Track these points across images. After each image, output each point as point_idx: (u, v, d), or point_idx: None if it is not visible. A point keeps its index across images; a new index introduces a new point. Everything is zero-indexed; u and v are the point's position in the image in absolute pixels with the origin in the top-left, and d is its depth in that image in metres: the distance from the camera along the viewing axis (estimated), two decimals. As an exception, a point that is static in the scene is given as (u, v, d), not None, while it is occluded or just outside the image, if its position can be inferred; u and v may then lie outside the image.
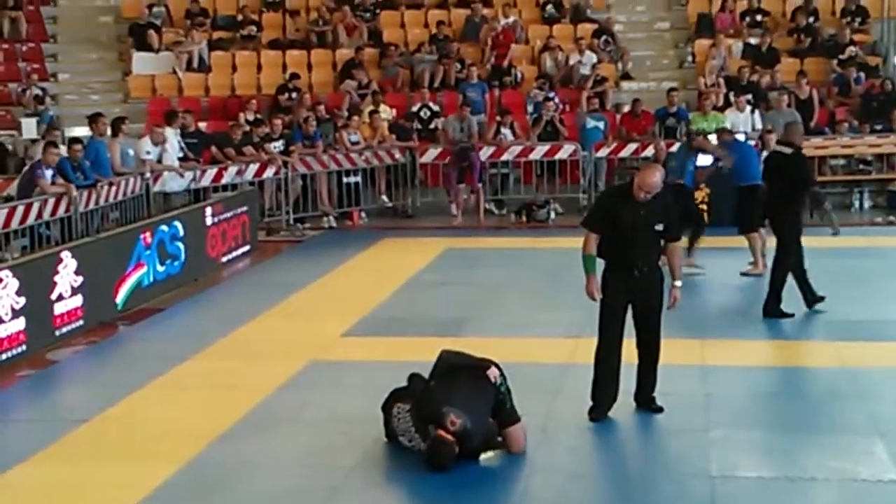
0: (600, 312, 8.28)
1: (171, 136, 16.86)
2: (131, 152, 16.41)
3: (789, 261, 11.15)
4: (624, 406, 8.38)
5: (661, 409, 8.38)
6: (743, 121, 18.53)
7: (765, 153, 16.56)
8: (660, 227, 8.14)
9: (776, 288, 11.19)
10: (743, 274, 13.37)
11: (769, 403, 8.67)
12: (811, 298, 11.37)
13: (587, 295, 8.33)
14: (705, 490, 6.96)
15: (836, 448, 7.66)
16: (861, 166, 18.30)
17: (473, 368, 7.61)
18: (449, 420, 7.24)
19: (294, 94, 20.04)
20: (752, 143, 17.17)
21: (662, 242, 8.32)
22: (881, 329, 10.77)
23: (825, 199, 15.88)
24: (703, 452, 7.60)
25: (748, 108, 18.79)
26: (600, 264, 8.29)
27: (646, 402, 8.44)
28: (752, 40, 21.55)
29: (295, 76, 20.53)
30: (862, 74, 20.35)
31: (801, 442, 7.79)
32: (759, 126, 18.35)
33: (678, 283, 8.37)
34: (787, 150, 11.43)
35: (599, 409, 8.29)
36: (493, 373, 7.56)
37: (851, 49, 20.87)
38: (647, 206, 8.09)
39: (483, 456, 7.49)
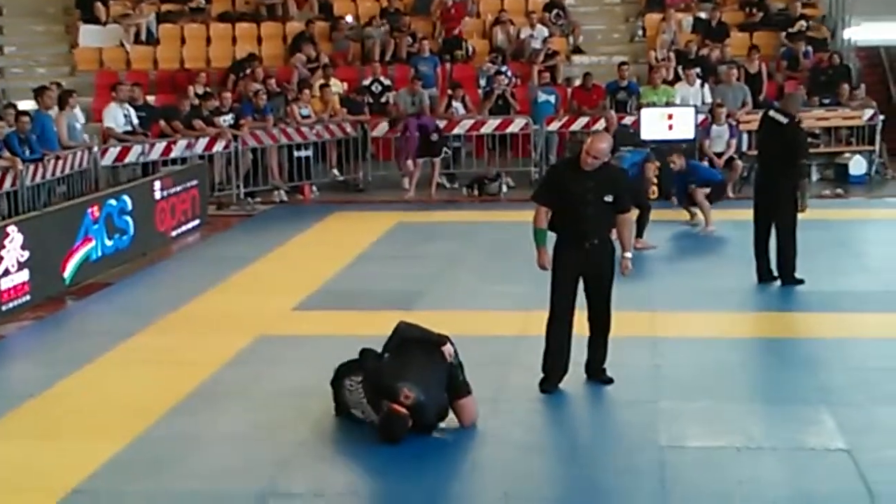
0: (551, 285, 8.29)
1: (117, 108, 16.72)
2: (78, 126, 16.25)
3: (795, 228, 11.24)
4: (575, 378, 8.41)
5: (611, 381, 8.42)
6: (693, 94, 18.63)
7: (715, 126, 16.81)
8: (609, 199, 8.14)
9: (791, 256, 11.31)
10: (703, 234, 14.14)
11: (718, 374, 8.71)
12: (767, 274, 11.45)
13: (538, 267, 8.35)
14: (654, 460, 7.00)
15: (784, 417, 7.73)
16: (810, 139, 18.38)
17: (428, 343, 7.60)
18: (403, 394, 7.23)
19: (246, 72, 19.85)
20: (702, 117, 17.36)
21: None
22: (830, 300, 10.87)
23: (809, 175, 16.03)
24: (652, 423, 7.64)
25: (698, 81, 18.86)
26: (551, 237, 8.30)
27: (596, 373, 8.49)
28: (703, 14, 21.63)
29: (253, 56, 20.28)
30: (810, 48, 20.48)
31: (750, 412, 7.86)
32: (708, 100, 18.45)
33: (628, 255, 8.41)
34: (783, 119, 11.38)
35: (550, 380, 8.32)
36: (447, 349, 7.55)
37: (801, 23, 20.99)
38: (596, 178, 8.09)
39: (435, 429, 7.50)
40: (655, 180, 15.26)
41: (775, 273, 11.45)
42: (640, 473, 6.85)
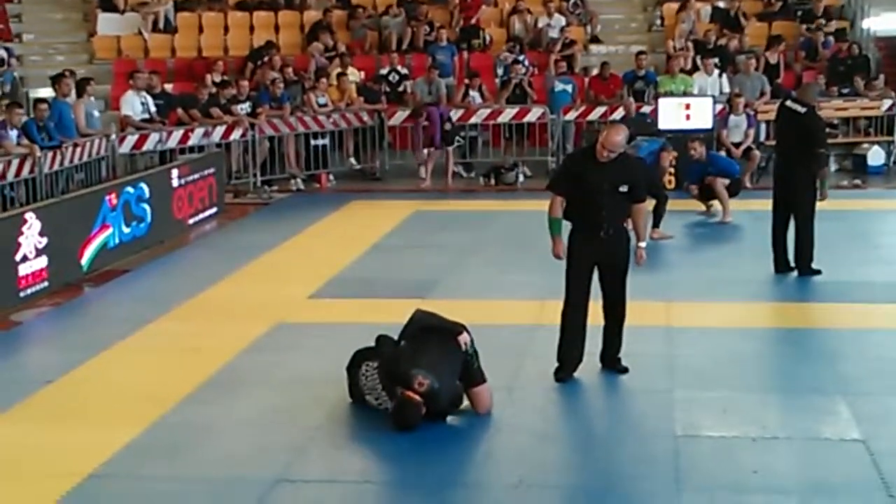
0: (566, 274, 8.29)
1: (135, 96, 16.79)
2: (96, 113, 16.31)
3: (813, 218, 11.24)
4: (589, 367, 8.41)
5: (626, 370, 8.42)
6: (710, 84, 18.58)
7: (733, 116, 16.75)
8: (624, 189, 8.13)
9: (809, 247, 11.31)
10: (719, 223, 14.15)
11: (734, 364, 8.70)
12: (784, 265, 11.44)
13: (554, 257, 8.36)
14: (669, 449, 7.00)
15: (800, 408, 7.72)
16: (828, 129, 18.29)
17: (444, 331, 7.61)
18: (417, 381, 7.25)
19: (263, 60, 19.88)
20: (720, 107, 17.31)
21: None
22: (847, 291, 10.84)
23: (828, 164, 16.00)
24: (668, 412, 7.64)
25: (716, 71, 18.80)
26: (566, 226, 8.30)
27: (611, 362, 8.48)
28: (721, 4, 21.56)
29: (270, 44, 20.31)
30: (830, 38, 20.39)
31: (765, 402, 7.85)
32: (726, 89, 18.40)
33: (642, 244, 8.40)
34: (801, 109, 11.34)
35: (565, 369, 8.32)
36: (463, 338, 7.55)
37: (821, 14, 20.89)
38: (612, 168, 8.07)
39: (449, 416, 7.52)
40: (672, 170, 15.24)
41: (792, 264, 11.42)
42: (654, 462, 6.85)
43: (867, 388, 8.11)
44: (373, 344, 7.85)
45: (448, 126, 17.95)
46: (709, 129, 16.91)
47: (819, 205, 11.29)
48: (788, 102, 11.62)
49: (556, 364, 8.34)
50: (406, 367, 7.32)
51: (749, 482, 6.50)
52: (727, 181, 14.46)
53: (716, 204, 14.55)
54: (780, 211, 11.47)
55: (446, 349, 7.48)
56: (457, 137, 18.19)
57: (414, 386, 7.23)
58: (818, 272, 11.30)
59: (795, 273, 11.41)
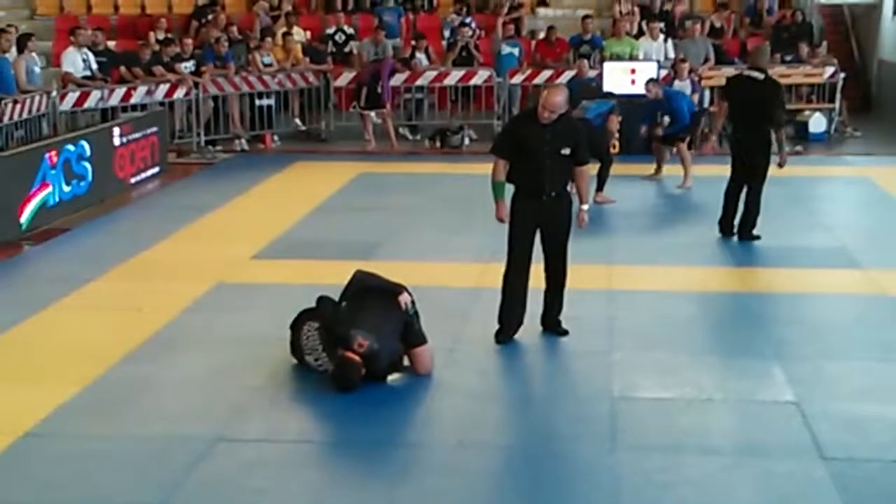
0: (509, 237, 8.32)
1: (76, 53, 16.55)
2: (37, 70, 16.06)
3: (762, 187, 11.43)
4: (530, 329, 8.47)
5: (566, 332, 8.49)
6: (656, 49, 18.63)
7: (677, 82, 16.80)
8: (566, 152, 8.15)
9: (756, 212, 11.47)
10: (679, 187, 14.19)
11: (673, 327, 8.80)
12: (730, 229, 11.58)
13: (497, 220, 8.38)
14: (605, 410, 7.08)
15: (736, 370, 7.82)
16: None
17: (384, 291, 7.64)
18: (357, 342, 7.27)
19: (208, 18, 19.67)
20: (665, 73, 17.37)
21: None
22: (787, 256, 10.99)
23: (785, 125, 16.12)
24: (606, 374, 7.72)
25: (661, 36, 18.86)
26: (509, 189, 8.32)
27: (552, 325, 8.54)
28: (668, -32, 21.57)
29: (214, 2, 20.09)
30: (775, 5, 20.51)
31: (702, 364, 7.95)
32: (671, 55, 18.46)
33: (585, 207, 8.44)
34: (759, 76, 11.44)
35: (505, 331, 8.37)
36: (403, 298, 7.59)
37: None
38: (554, 130, 8.09)
39: (390, 377, 7.55)
40: (618, 134, 15.25)
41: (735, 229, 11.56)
42: (591, 422, 6.92)
43: (802, 351, 8.24)
44: (314, 305, 7.85)
45: (380, 89, 17.75)
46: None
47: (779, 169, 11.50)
48: (745, 72, 11.75)
49: (497, 326, 8.39)
50: (346, 328, 7.33)
51: (684, 442, 6.60)
52: (687, 139, 14.52)
53: (662, 169, 14.63)
54: (737, 177, 11.59)
55: (386, 310, 7.51)
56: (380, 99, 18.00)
57: (354, 346, 7.25)
58: (758, 237, 11.44)
59: (735, 238, 11.55)
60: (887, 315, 9.14)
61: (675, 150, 14.65)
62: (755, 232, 11.49)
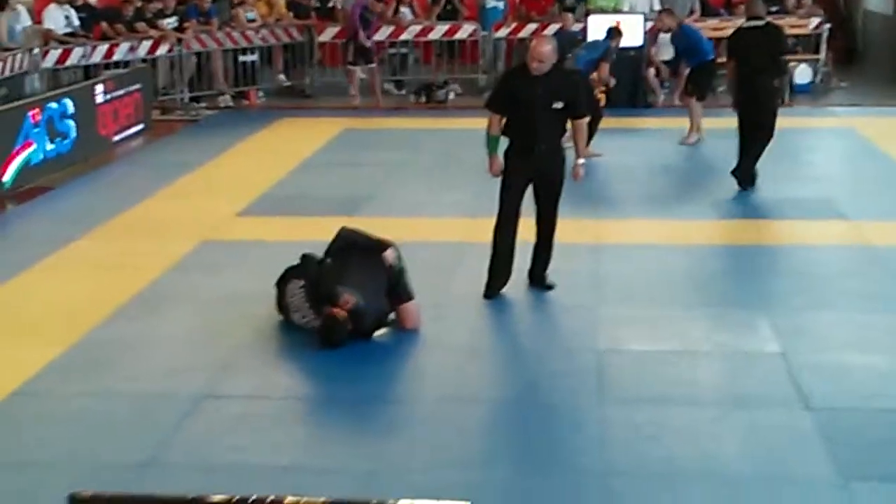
0: (500, 190, 8.28)
1: (58, 10, 16.39)
2: (18, 27, 15.92)
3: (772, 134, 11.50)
4: (518, 284, 8.45)
5: (552, 287, 8.47)
6: (641, 1, 18.51)
7: (662, 33, 16.67)
8: (559, 105, 8.07)
9: (757, 154, 11.52)
10: (681, 143, 13.93)
11: (660, 281, 8.80)
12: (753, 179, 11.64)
13: (490, 174, 8.33)
14: (591, 363, 7.09)
15: (722, 322, 7.83)
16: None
17: (370, 248, 7.62)
18: (342, 299, 7.25)
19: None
20: (651, 24, 17.25)
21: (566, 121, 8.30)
22: (775, 207, 11.01)
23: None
24: (592, 328, 7.73)
25: (646, -13, 18.74)
26: (503, 144, 8.26)
27: (539, 279, 8.53)
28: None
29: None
30: (760, -44, 20.35)
31: (689, 317, 7.95)
32: (657, 6, 18.34)
33: (581, 161, 8.39)
34: (761, 23, 11.51)
35: (494, 286, 8.36)
36: (389, 254, 7.57)
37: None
38: (547, 83, 8.02)
39: (377, 333, 7.54)
40: (613, 81, 14.88)
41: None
42: (577, 376, 6.94)
43: (788, 303, 8.25)
44: (299, 262, 7.83)
45: (368, 43, 17.59)
46: (639, 47, 16.91)
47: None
48: (746, 25, 11.76)
49: (485, 280, 8.37)
50: (332, 285, 7.32)
51: (670, 394, 6.61)
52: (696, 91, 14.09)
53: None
54: (748, 128, 11.58)
55: (372, 267, 7.49)
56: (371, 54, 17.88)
57: (340, 303, 7.24)
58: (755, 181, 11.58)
59: (717, 188, 11.55)
60: (872, 266, 9.16)
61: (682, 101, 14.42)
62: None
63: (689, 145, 14.00)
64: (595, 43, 14.37)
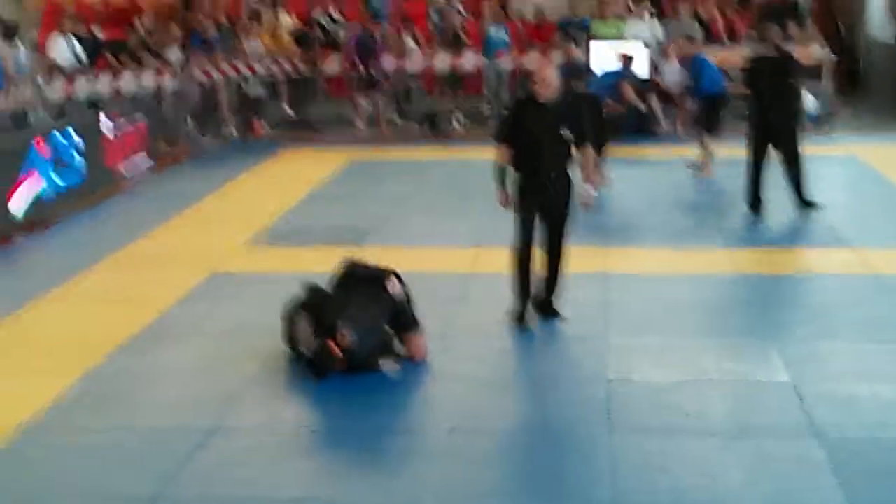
0: (515, 221, 8.25)
1: (63, 41, 16.49)
2: (23, 60, 15.99)
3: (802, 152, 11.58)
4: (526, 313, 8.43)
5: (561, 316, 8.45)
6: (644, 29, 18.58)
7: (666, 63, 16.74)
8: (567, 133, 8.09)
9: (797, 179, 11.65)
10: (689, 166, 13.94)
11: (668, 310, 8.79)
12: (759, 204, 11.69)
13: (500, 205, 8.34)
14: (601, 393, 7.08)
15: (732, 352, 7.82)
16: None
17: (372, 279, 7.61)
18: (340, 333, 7.25)
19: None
20: (650, 51, 17.31)
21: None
22: (778, 237, 11.04)
23: None
24: (601, 358, 7.72)
25: (647, 15, 18.82)
26: (512, 176, 8.26)
27: (547, 308, 8.49)
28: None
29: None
30: (762, -16, 20.46)
31: (698, 347, 7.94)
32: (659, 35, 18.41)
33: (589, 188, 8.41)
34: (773, 53, 11.66)
35: (519, 315, 8.31)
36: (391, 285, 7.56)
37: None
38: (553, 111, 8.06)
39: (383, 364, 7.51)
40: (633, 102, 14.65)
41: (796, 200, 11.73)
42: (586, 406, 6.92)
43: (796, 332, 8.25)
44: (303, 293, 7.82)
45: (376, 72, 17.71)
46: (644, 80, 16.93)
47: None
48: (761, 52, 11.94)
49: (514, 308, 8.30)
50: (333, 317, 7.31)
51: (680, 425, 6.60)
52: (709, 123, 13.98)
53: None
54: (763, 154, 11.68)
55: (374, 298, 7.49)
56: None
57: (337, 337, 7.24)
58: (815, 204, 11.67)
59: (728, 217, 11.59)
60: (879, 294, 9.15)
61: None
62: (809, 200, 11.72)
63: (705, 178, 13.83)
64: (612, 72, 14.37)
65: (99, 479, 6.04)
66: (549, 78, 8.02)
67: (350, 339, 7.25)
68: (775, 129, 11.54)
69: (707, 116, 14.01)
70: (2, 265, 10.65)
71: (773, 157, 11.74)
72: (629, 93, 13.57)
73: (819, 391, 7.04)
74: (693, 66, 14.32)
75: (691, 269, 10.03)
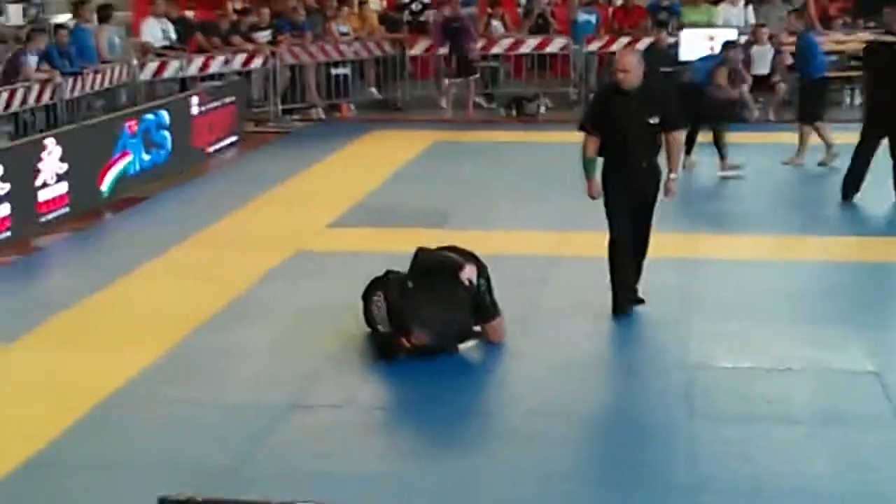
0: (606, 212, 8.10)
1: (156, 23, 16.73)
2: (117, 40, 16.27)
3: None
4: (606, 299, 8.33)
5: (642, 301, 8.35)
6: (736, 15, 18.32)
7: (756, 47, 16.43)
8: (654, 120, 7.95)
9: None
10: (784, 163, 13.40)
11: (752, 296, 8.67)
12: (855, 187, 11.51)
13: (589, 196, 8.19)
14: (682, 379, 7.01)
15: (815, 339, 7.69)
16: (852, 62, 18.05)
17: (446, 270, 7.54)
18: (415, 335, 7.26)
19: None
20: (745, 37, 17.05)
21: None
22: (860, 223, 10.82)
23: None
24: (683, 343, 7.64)
25: (741, 2, 18.54)
26: (600, 164, 8.16)
27: (633, 294, 8.39)
28: (749, -67, 21.17)
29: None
30: (859, -31, 20.04)
31: (782, 333, 7.82)
32: (752, 20, 18.13)
33: (674, 176, 8.23)
34: (894, 39, 11.40)
35: (622, 305, 8.18)
36: (465, 273, 7.48)
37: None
38: (639, 98, 7.93)
39: (462, 346, 7.51)
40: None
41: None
42: (667, 392, 6.87)
43: (883, 321, 8.09)
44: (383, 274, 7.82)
45: (473, 55, 17.76)
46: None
47: (840, 138, 11.26)
48: (883, 39, 11.66)
49: (612, 300, 8.16)
50: (409, 318, 7.29)
51: (761, 411, 6.51)
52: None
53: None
54: (873, 141, 11.45)
55: (450, 292, 7.42)
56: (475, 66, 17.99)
57: (411, 338, 7.25)
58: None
59: (814, 203, 11.40)
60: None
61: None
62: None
63: (796, 165, 13.40)
64: (711, 56, 14.12)
65: (180, 450, 6.14)
66: (629, 66, 7.90)
67: (427, 339, 7.26)
68: (889, 114, 11.25)
69: (816, 101, 13.50)
70: (92, 242, 10.86)
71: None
72: (720, 77, 13.31)
73: (906, 381, 6.90)
74: (803, 45, 13.78)
75: (778, 255, 9.89)
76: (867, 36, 18.10)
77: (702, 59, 13.95)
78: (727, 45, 13.88)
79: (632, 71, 7.90)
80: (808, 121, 13.38)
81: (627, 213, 8.11)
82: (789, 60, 16.70)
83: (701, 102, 12.94)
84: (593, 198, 8.18)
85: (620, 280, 8.19)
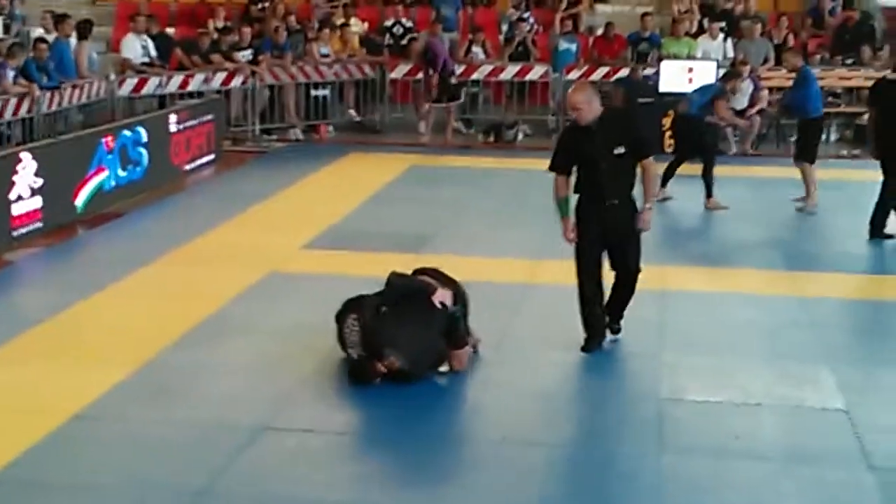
0: (576, 249, 7.99)
1: (136, 39, 16.70)
2: (95, 56, 16.24)
3: None
4: (580, 328, 8.33)
5: (618, 331, 8.36)
6: (715, 48, 18.45)
7: (749, 85, 16.49)
8: (620, 150, 7.85)
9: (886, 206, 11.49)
10: (798, 208, 12.99)
11: (724, 330, 8.71)
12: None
13: (564, 239, 8.03)
14: (653, 411, 7.03)
15: (786, 375, 7.71)
16: (830, 98, 18.21)
17: (420, 294, 7.54)
18: (388, 360, 7.24)
19: (266, 5, 19.78)
20: (723, 72, 17.14)
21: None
22: (841, 261, 10.86)
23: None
24: (655, 375, 7.66)
25: (721, 35, 18.69)
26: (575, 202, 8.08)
27: (611, 329, 8.34)
28: (728, -33, 21.34)
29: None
30: (838, 6, 20.25)
31: (752, 368, 7.85)
32: (730, 54, 18.27)
33: (648, 206, 8.02)
34: None
35: (593, 340, 8.10)
36: (438, 297, 7.49)
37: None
38: (603, 131, 7.82)
39: (439, 369, 7.50)
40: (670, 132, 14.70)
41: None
42: (637, 423, 6.88)
43: (853, 357, 8.14)
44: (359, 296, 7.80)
45: (452, 80, 17.82)
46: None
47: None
48: (889, 76, 11.78)
49: (584, 336, 8.11)
50: (382, 344, 7.27)
51: (730, 447, 6.53)
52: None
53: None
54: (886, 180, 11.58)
55: (425, 317, 7.40)
56: (459, 91, 18.06)
57: (384, 363, 7.24)
58: (892, 237, 11.49)
59: (783, 238, 11.46)
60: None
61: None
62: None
63: (809, 211, 12.96)
64: (707, 86, 14.14)
65: (148, 469, 6.10)
66: (579, 103, 7.77)
67: (399, 366, 7.25)
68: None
69: (807, 145, 13.10)
70: (65, 257, 10.81)
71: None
72: (721, 109, 13.27)
73: (874, 419, 6.93)
74: (803, 81, 13.29)
75: (748, 289, 9.92)
76: (844, 72, 18.37)
77: (698, 91, 13.93)
78: (728, 76, 13.97)
79: (583, 107, 7.77)
80: (810, 160, 13.05)
81: (600, 250, 8.00)
82: (766, 95, 16.90)
83: (699, 133, 13.01)
84: (570, 239, 7.98)
85: (591, 317, 8.09)
